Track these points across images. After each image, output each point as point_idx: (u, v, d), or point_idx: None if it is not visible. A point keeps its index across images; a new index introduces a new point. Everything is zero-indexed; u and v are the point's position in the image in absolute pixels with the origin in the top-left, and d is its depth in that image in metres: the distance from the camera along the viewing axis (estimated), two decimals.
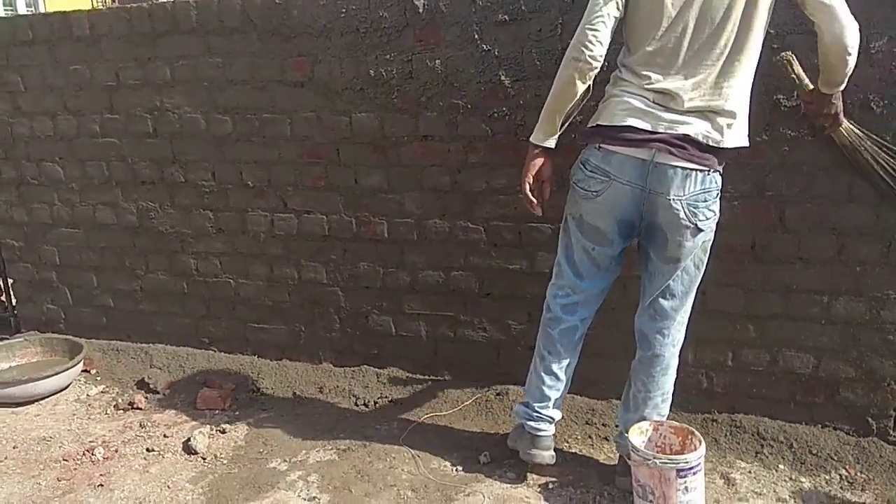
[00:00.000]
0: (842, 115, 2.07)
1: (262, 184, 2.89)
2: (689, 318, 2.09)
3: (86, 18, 2.96)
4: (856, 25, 1.76)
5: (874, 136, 2.12)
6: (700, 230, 1.89)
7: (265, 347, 3.10)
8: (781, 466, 2.28)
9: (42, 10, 15.80)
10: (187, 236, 3.09)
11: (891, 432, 2.33)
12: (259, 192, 2.91)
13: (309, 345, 3.03)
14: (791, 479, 2.23)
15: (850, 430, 2.37)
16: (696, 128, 1.81)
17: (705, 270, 2.02)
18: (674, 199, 1.83)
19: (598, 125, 1.92)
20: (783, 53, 2.09)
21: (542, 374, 2.17)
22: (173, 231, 3.09)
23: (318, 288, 2.94)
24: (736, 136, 1.84)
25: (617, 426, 2.31)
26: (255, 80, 2.77)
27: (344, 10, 2.57)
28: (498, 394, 2.71)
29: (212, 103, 2.87)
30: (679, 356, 2.11)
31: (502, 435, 2.46)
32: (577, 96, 1.89)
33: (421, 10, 2.48)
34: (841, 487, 2.18)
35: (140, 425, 2.67)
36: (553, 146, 2.00)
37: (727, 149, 1.84)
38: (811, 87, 2.05)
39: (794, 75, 2.09)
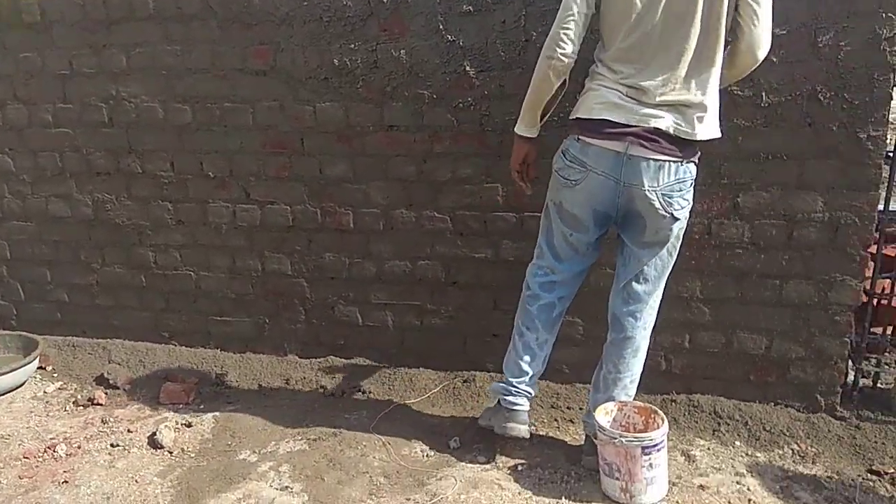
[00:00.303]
0: None
1: (224, 174, 2.85)
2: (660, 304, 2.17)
3: (36, 4, 2.86)
4: (769, 44, 1.92)
5: None
6: (676, 219, 1.98)
7: (228, 341, 3.07)
8: (738, 443, 2.39)
9: None
10: (145, 228, 3.02)
11: (838, 408, 2.47)
12: (220, 182, 2.87)
13: (274, 337, 3.01)
14: (747, 454, 2.33)
15: (801, 407, 2.49)
16: (668, 121, 1.88)
17: (677, 256, 2.10)
18: (648, 190, 1.92)
19: (577, 118, 1.99)
20: None
21: (521, 349, 2.24)
22: (130, 223, 3.03)
23: (282, 279, 2.93)
24: (708, 128, 1.93)
25: (583, 408, 2.38)
26: (216, 68, 2.73)
27: None
28: (465, 381, 2.75)
29: (170, 92, 2.81)
30: (649, 340, 2.19)
31: (471, 420, 2.50)
32: (553, 91, 1.99)
33: (385, 0, 2.49)
34: (793, 461, 2.30)
35: (102, 421, 2.61)
36: (535, 135, 2.11)
37: (700, 140, 1.92)
38: None
39: None
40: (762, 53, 1.94)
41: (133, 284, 3.11)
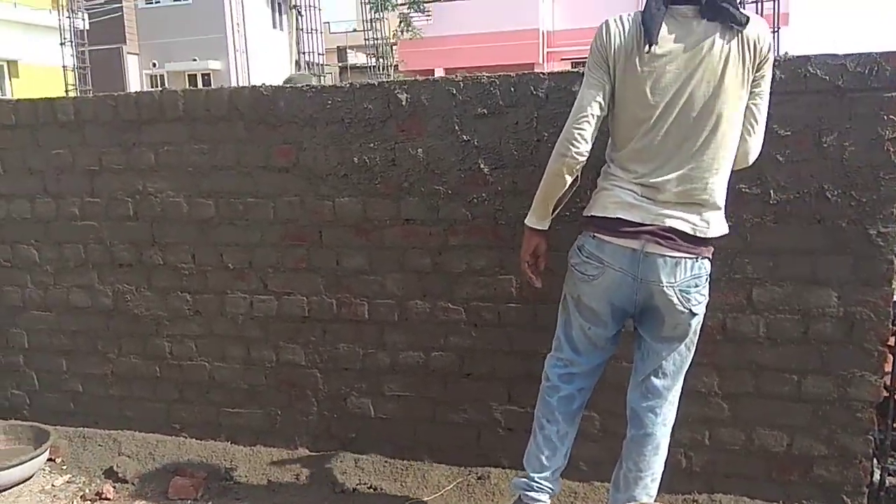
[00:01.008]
0: None
1: (243, 266, 2.91)
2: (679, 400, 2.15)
3: (71, 104, 3.02)
4: (759, 150, 2.05)
5: None
6: (694, 314, 2.00)
7: (239, 433, 3.04)
8: None
9: (8, 96, 15.81)
10: (163, 319, 3.06)
11: None
12: (239, 273, 2.92)
13: (285, 429, 2.98)
14: None
15: None
16: (682, 219, 1.94)
17: (694, 351, 2.10)
18: (666, 286, 1.95)
19: (592, 215, 2.05)
20: None
21: (542, 443, 2.20)
22: (149, 314, 3.07)
23: (295, 370, 2.93)
24: (719, 225, 1.99)
25: None
26: (240, 165, 2.84)
27: (329, 102, 2.68)
28: (479, 477, 2.69)
29: (195, 187, 2.92)
30: (670, 437, 2.15)
31: None
32: (566, 186, 2.06)
33: (404, 103, 2.61)
34: None
35: None
36: (546, 227, 2.16)
37: (712, 238, 1.97)
38: None
39: None
40: (752, 158, 2.06)
41: (147, 375, 3.11)
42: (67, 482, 2.87)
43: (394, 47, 21.06)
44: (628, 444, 2.15)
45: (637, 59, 1.91)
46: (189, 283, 3.00)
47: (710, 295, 2.40)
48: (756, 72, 1.93)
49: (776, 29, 5.58)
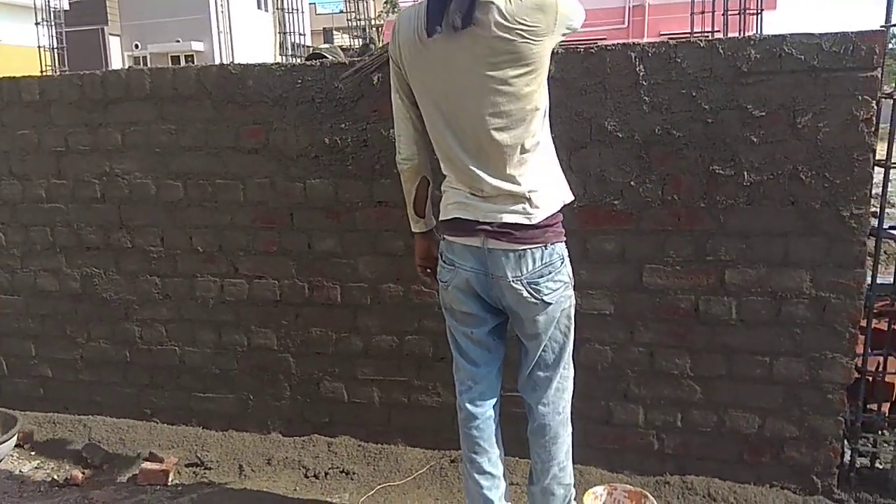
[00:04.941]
0: None
1: (213, 249, 2.86)
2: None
3: (36, 84, 2.95)
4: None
5: None
6: (547, 304, 1.90)
7: (211, 418, 3.00)
8: None
9: None
10: (132, 303, 3.01)
11: (835, 490, 2.39)
12: (209, 256, 2.87)
13: (257, 414, 2.95)
14: None
15: (797, 490, 2.42)
16: (512, 212, 1.84)
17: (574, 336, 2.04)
18: (513, 281, 1.86)
19: (441, 220, 1.99)
20: None
21: (477, 477, 2.10)
22: (118, 298, 3.02)
23: (268, 354, 2.89)
24: (548, 202, 1.87)
25: None
26: (209, 146, 2.78)
27: (300, 81, 2.63)
28: (452, 460, 2.68)
29: (163, 168, 2.86)
30: (570, 427, 2.11)
31: None
32: (414, 190, 2.05)
33: (376, 83, 2.56)
34: None
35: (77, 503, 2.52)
36: (423, 230, 2.12)
37: (549, 218, 1.87)
38: None
39: None
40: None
41: (117, 360, 3.07)
42: (36, 468, 2.83)
43: (379, 29, 20.85)
44: (530, 436, 2.11)
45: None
46: (158, 267, 2.94)
47: (682, 276, 2.40)
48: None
49: (759, 11, 5.55)
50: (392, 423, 2.81)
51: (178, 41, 22.93)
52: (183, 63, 22.51)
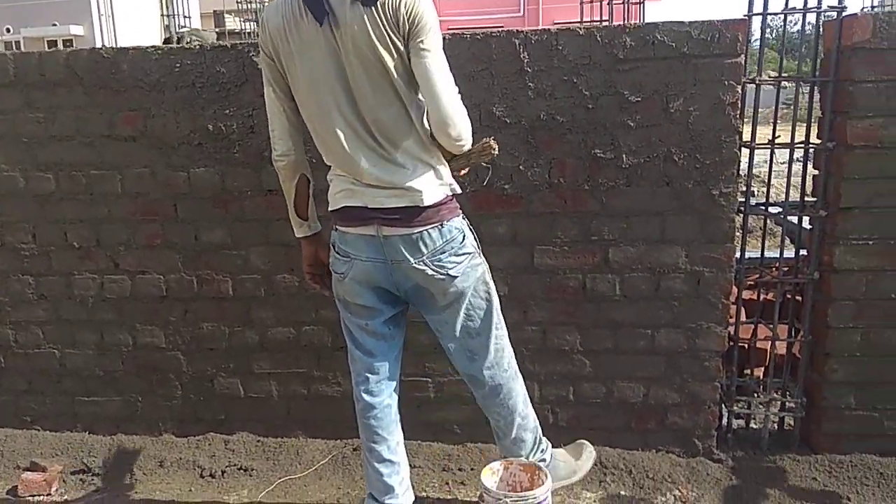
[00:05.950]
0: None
1: (90, 244, 2.70)
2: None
3: None
4: (461, 122, 1.83)
5: None
6: (454, 276, 1.91)
7: (97, 422, 2.85)
8: (623, 492, 2.43)
9: None
10: (4, 305, 2.80)
11: (715, 451, 2.57)
12: (86, 252, 2.71)
13: (147, 415, 2.82)
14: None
15: (681, 453, 2.58)
16: (396, 198, 1.84)
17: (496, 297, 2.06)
18: (415, 263, 1.87)
19: (331, 210, 1.97)
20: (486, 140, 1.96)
21: (378, 466, 2.10)
22: None
23: (155, 353, 2.77)
24: (433, 186, 1.86)
25: (475, 468, 2.35)
26: (81, 135, 2.62)
27: (178, 65, 2.51)
28: (355, 448, 2.67)
29: (32, 160, 2.66)
30: (520, 375, 2.16)
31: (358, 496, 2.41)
32: (293, 190, 2.01)
33: (260, 67, 2.47)
34: None
35: None
36: (307, 234, 2.08)
37: (438, 202, 1.87)
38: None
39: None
40: (455, 132, 1.83)
41: None
42: None
43: None
44: (482, 403, 2.16)
45: None
46: (31, 265, 2.75)
47: (570, 256, 2.48)
48: None
49: (641, 0, 5.79)
50: (292, 415, 2.77)
51: (54, 24, 21.35)
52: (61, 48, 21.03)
